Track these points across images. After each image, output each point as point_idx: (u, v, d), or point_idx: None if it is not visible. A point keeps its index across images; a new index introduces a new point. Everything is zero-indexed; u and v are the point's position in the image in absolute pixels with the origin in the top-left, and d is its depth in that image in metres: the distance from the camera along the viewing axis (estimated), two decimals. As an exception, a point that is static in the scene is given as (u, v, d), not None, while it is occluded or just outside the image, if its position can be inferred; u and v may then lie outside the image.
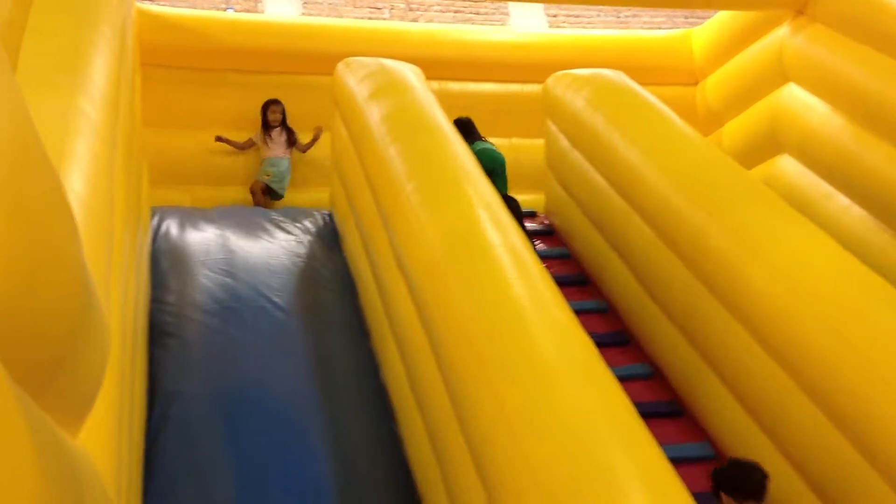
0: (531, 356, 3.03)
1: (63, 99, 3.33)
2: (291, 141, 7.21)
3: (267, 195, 7.07)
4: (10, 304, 1.20)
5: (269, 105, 7.19)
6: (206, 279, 5.37)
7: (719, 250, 4.33)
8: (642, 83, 6.02)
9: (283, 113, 7.22)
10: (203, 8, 9.97)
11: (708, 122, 8.11)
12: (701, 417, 4.80)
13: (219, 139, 7.11)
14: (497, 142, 7.72)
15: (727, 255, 4.27)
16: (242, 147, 7.22)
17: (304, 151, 7.25)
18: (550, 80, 6.44)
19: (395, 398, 4.62)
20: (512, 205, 5.56)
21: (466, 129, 6.28)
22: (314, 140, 7.22)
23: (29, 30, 3.69)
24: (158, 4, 9.26)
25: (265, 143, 7.16)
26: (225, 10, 10.34)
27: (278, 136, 7.17)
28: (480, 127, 7.26)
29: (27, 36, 3.65)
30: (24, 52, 3.46)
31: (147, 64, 6.79)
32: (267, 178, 7.07)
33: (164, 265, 5.47)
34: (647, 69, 7.83)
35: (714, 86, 8.17)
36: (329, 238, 6.16)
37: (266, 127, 7.19)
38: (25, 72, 3.34)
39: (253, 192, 7.07)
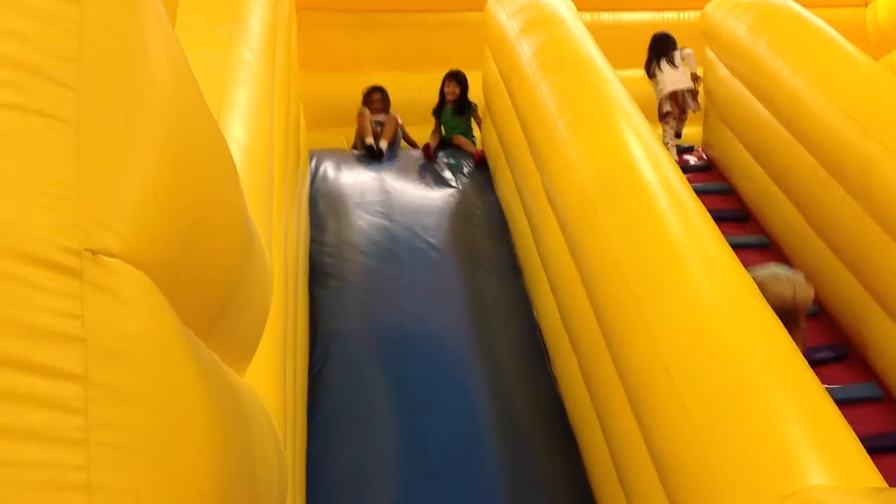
0: (687, 293, 2.97)
1: (222, 48, 3.45)
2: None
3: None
4: (177, 250, 1.26)
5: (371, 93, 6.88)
6: (362, 220, 5.50)
7: (891, 182, 4.10)
8: (808, 6, 5.71)
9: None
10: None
11: (879, 45, 7.66)
12: (869, 357, 4.62)
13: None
14: (652, 73, 7.52)
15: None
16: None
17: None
18: (709, 7, 6.20)
19: (549, 337, 4.63)
20: None
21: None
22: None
23: (189, -19, 3.82)
24: (312, -52, 9.39)
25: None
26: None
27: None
28: (635, 58, 7.09)
29: (187, -13, 3.77)
30: (182, 4, 3.58)
31: (302, 7, 6.91)
32: None
33: (323, 207, 5.63)
34: (813, -9, 7.44)
35: (886, 6, 7.68)
36: (481, 177, 6.18)
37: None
38: (185, 24, 3.46)
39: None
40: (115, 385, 1.05)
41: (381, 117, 6.66)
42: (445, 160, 6.33)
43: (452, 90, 6.70)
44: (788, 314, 4.03)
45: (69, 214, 1.05)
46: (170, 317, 1.20)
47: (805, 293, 4.31)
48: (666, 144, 6.40)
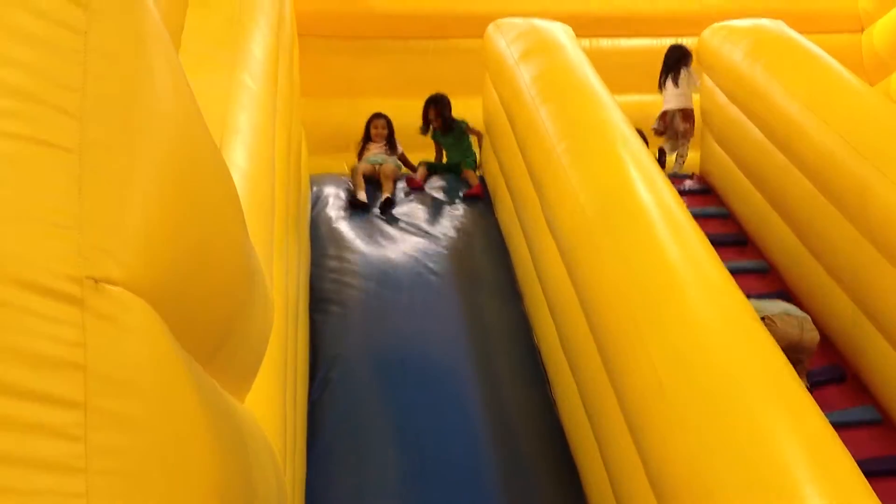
0: (686, 318, 2.97)
1: (225, 74, 3.47)
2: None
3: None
4: (179, 278, 1.27)
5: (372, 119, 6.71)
6: (363, 246, 5.52)
7: (888, 206, 4.12)
8: (804, 32, 5.76)
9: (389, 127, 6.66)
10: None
11: (875, 70, 7.71)
12: (866, 380, 4.62)
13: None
14: (650, 98, 7.59)
15: (896, 212, 4.06)
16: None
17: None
18: (706, 33, 6.25)
19: (548, 361, 4.63)
20: None
21: None
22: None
23: (191, 7, 3.85)
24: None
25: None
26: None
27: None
28: (633, 84, 7.13)
29: (189, 13, 3.80)
30: (186, 30, 3.61)
31: (304, 34, 6.96)
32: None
33: (323, 232, 5.63)
34: (809, 17, 7.51)
35: (882, 32, 7.73)
36: (481, 202, 6.19)
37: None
38: (189, 49, 3.49)
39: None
40: (115, 412, 1.05)
41: (382, 148, 6.50)
42: (444, 185, 6.34)
43: (434, 117, 6.63)
44: (793, 354, 4.08)
45: (71, 243, 1.06)
46: (171, 344, 1.20)
47: (812, 335, 4.40)
48: (659, 157, 6.57)
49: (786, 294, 5.31)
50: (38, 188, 1.05)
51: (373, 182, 6.26)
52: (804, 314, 4.52)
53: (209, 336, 1.45)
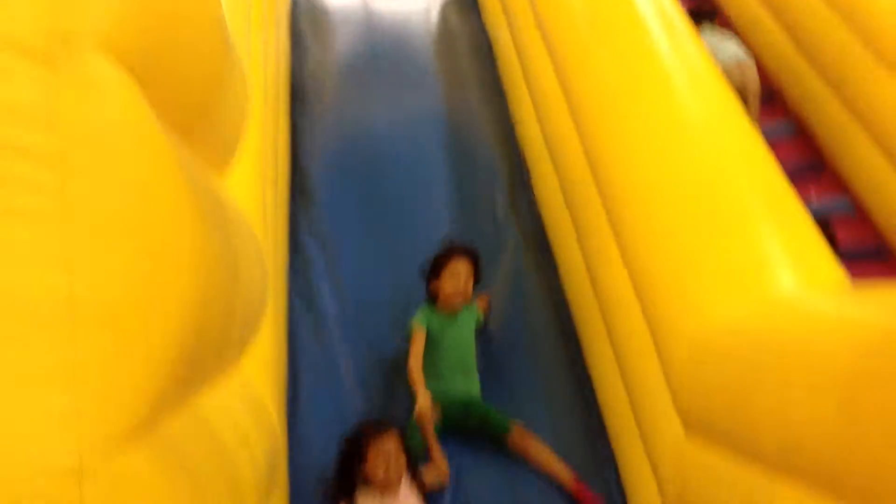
0: (673, 113, 2.94)
1: None
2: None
3: None
4: (155, 44, 1.25)
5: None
6: (344, 40, 5.35)
7: (879, 7, 4.06)
8: None
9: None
10: None
11: None
12: (843, 173, 4.75)
13: None
14: None
15: (888, 13, 4.01)
16: None
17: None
18: None
19: (529, 156, 4.61)
20: None
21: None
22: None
23: None
24: None
25: None
26: None
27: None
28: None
29: None
30: None
31: None
32: None
33: (304, 26, 5.46)
34: None
35: None
36: (468, 2, 6.00)
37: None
38: None
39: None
40: (90, 167, 1.06)
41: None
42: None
43: (456, 284, 3.50)
44: (742, 94, 4.73)
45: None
46: (146, 109, 1.19)
47: (752, 74, 4.97)
48: None
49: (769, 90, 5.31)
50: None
51: None
52: (745, 57, 5.02)
53: (188, 105, 1.43)
